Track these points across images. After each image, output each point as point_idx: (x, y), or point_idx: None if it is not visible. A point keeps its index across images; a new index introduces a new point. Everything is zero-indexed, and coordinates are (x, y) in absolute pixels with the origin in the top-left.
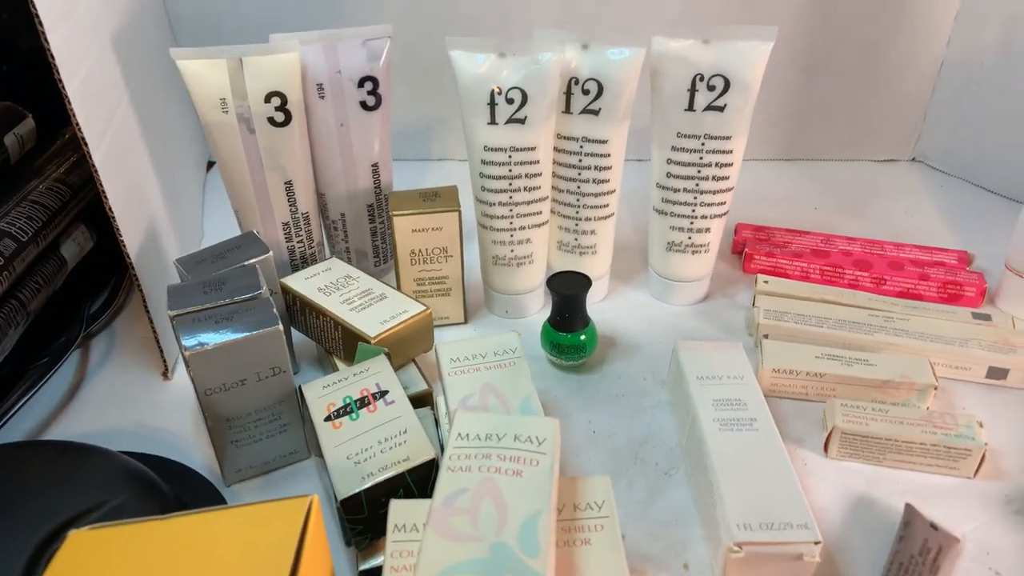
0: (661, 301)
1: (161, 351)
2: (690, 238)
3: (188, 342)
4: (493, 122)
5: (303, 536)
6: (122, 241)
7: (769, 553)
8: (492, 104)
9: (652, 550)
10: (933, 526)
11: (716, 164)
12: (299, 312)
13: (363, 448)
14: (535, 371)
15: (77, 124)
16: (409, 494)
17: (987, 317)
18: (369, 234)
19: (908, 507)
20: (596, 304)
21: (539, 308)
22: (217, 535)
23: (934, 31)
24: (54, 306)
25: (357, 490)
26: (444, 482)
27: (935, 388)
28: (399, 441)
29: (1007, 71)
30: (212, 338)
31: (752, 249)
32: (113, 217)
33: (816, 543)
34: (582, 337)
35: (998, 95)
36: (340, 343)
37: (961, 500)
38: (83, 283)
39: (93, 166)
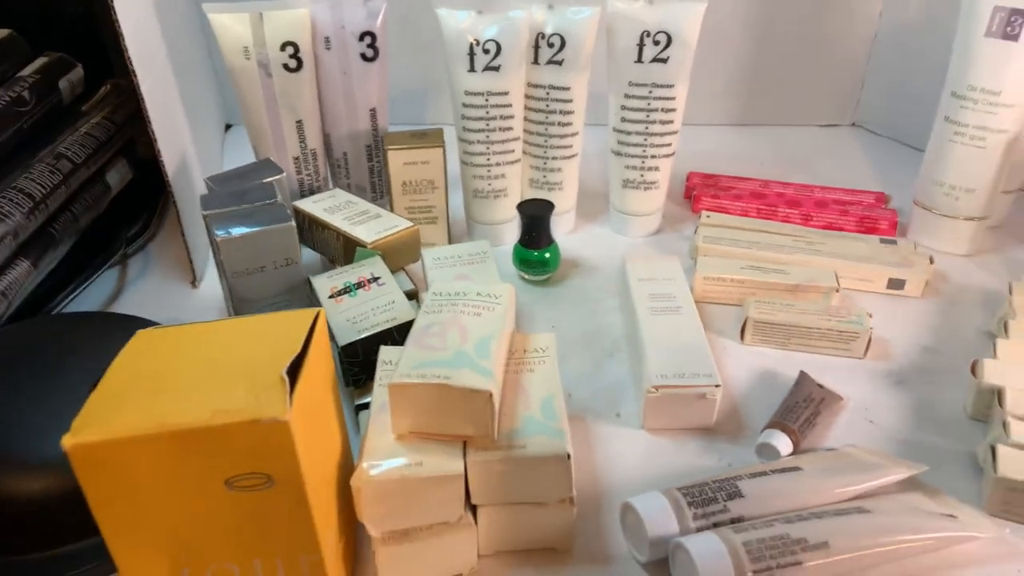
0: (619, 234)
1: (191, 261)
2: (642, 175)
3: (220, 233)
4: (472, 69)
5: (313, 328)
6: (161, 161)
7: (679, 394)
8: (471, 54)
9: (592, 405)
10: (820, 385)
11: (663, 109)
12: (307, 229)
13: (359, 314)
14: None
15: (129, 58)
16: (395, 345)
17: (893, 242)
18: (367, 171)
19: (802, 372)
20: (563, 236)
21: (513, 238)
22: (250, 330)
23: (867, 5)
24: (97, 228)
25: (354, 339)
26: (420, 320)
27: (837, 291)
28: (388, 308)
29: (930, 40)
30: (239, 230)
31: (700, 192)
32: (155, 139)
33: (716, 386)
34: (547, 255)
35: (922, 62)
36: (342, 252)
37: (851, 374)
38: (122, 212)
39: (141, 96)
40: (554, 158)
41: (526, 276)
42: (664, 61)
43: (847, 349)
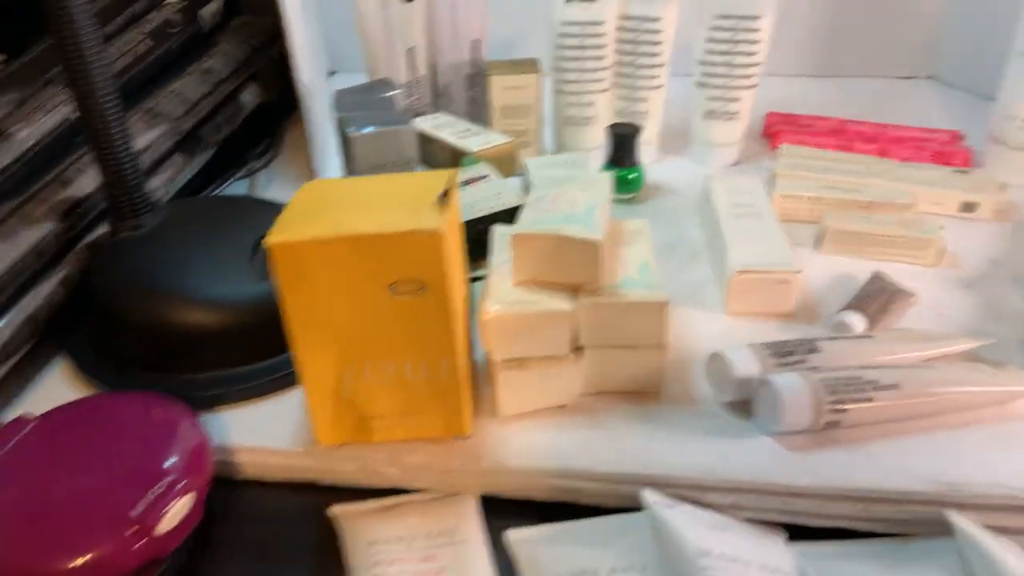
0: (700, 164)
1: (312, 171)
2: (724, 106)
3: (351, 130)
4: (570, 1)
5: (452, 179)
6: (297, 72)
7: (761, 278)
8: None
9: (679, 294)
10: (893, 283)
11: (747, 41)
12: (419, 144)
13: (471, 202)
14: None
15: None
16: None
17: (966, 172)
18: (466, 100)
19: (875, 271)
20: (647, 165)
21: (599, 165)
22: (400, 181)
23: None
24: (230, 145)
25: (468, 219)
26: (532, 196)
27: (911, 208)
28: (497, 196)
29: None
30: (367, 129)
31: (779, 129)
32: (293, 54)
33: (796, 272)
34: (632, 174)
35: (1000, 16)
36: (449, 163)
37: (922, 279)
38: (249, 135)
39: (286, 17)
40: (641, 88)
41: (615, 196)
42: None
43: (920, 257)
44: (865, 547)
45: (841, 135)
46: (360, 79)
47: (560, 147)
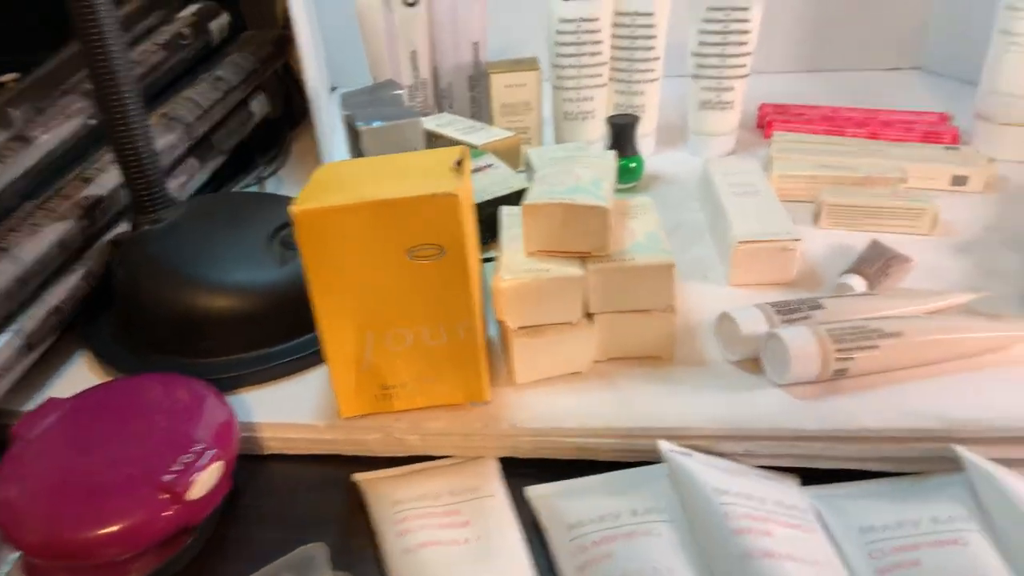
0: (696, 155)
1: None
2: (718, 96)
3: (361, 124)
4: None
5: (465, 152)
6: (305, 77)
7: (763, 248)
8: None
9: (684, 270)
10: (891, 249)
11: (738, 31)
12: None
13: (479, 187)
14: None
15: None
16: None
17: (956, 149)
18: (469, 101)
19: (873, 239)
20: (646, 156)
21: None
22: (413, 157)
23: None
24: (239, 153)
25: (478, 201)
26: (539, 173)
27: (904, 181)
28: (503, 182)
29: None
30: (375, 123)
31: (772, 118)
32: (302, 59)
33: (796, 240)
34: (632, 165)
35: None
36: None
37: (918, 246)
38: (257, 144)
39: (296, 31)
40: (638, 81)
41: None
42: None
43: (915, 226)
44: (877, 486)
45: (832, 121)
46: None
47: (560, 142)
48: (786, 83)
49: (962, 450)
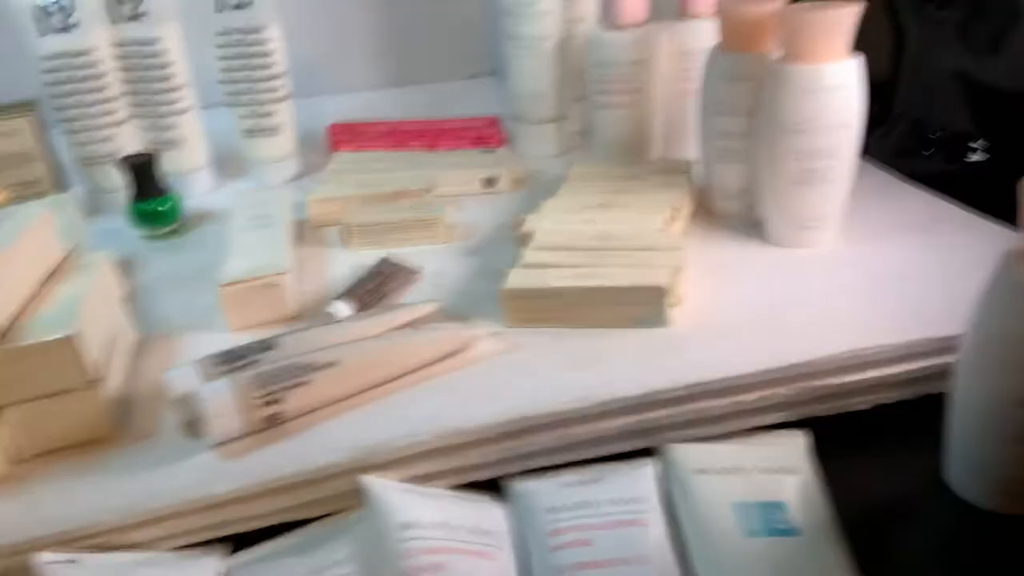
0: (259, 184)
1: None
2: (261, 122)
3: None
4: (46, 34)
5: None
6: None
7: (247, 288)
8: (41, 18)
9: (192, 322)
10: (394, 263)
11: (260, 54)
12: None
13: None
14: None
15: None
16: None
17: (492, 151)
18: None
19: (384, 257)
20: (200, 195)
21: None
22: None
23: None
24: None
25: None
26: None
27: (428, 191)
28: None
29: None
30: None
31: (338, 139)
32: None
33: (281, 274)
34: (161, 207)
35: None
36: None
37: (436, 255)
38: None
39: None
40: (165, 115)
41: (149, 232)
42: (246, 5)
43: (431, 236)
44: (290, 540)
45: (393, 136)
46: None
47: (94, 188)
48: (367, 101)
49: (367, 479)
